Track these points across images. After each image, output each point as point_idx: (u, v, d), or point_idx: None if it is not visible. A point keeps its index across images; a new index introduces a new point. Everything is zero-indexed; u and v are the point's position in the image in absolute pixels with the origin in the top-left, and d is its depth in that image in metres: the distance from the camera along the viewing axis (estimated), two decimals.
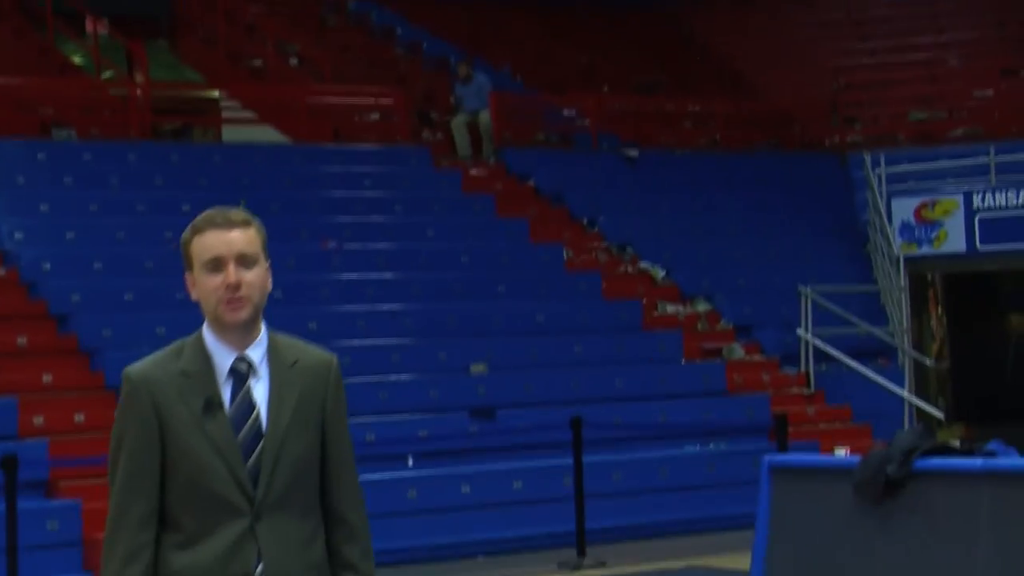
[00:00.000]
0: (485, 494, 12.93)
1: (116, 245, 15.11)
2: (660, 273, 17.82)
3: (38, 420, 12.33)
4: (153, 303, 14.10)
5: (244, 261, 3.62)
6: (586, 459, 12.12)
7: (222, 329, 3.63)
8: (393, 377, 13.83)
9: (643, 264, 17.96)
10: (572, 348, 15.22)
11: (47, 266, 14.42)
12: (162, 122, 18.94)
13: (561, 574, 11.60)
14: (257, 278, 3.63)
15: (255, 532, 3.55)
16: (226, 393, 3.61)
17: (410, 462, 13.04)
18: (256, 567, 3.56)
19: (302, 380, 3.66)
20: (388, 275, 15.75)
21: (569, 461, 12.12)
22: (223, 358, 3.63)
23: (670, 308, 17.12)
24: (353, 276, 15.51)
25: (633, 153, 20.19)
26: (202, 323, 3.70)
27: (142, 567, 3.55)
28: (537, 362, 14.90)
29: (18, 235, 14.82)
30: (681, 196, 19.56)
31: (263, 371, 3.64)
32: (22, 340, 13.28)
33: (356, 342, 13.93)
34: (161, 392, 3.59)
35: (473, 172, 18.98)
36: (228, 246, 3.61)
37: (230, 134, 18.97)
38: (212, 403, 3.58)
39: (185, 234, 3.66)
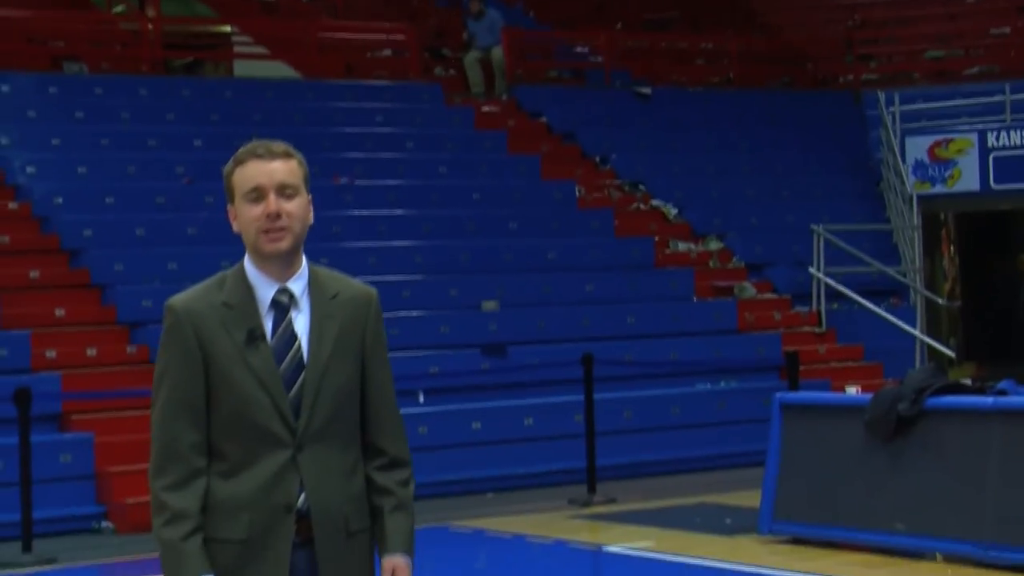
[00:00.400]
0: (496, 431, 12.97)
1: (128, 180, 15.10)
2: (672, 211, 17.78)
3: (50, 354, 12.36)
4: (165, 238, 14.11)
5: (285, 191, 3.63)
6: (597, 396, 12.13)
7: (263, 260, 3.64)
8: (404, 313, 13.84)
9: (655, 202, 17.92)
10: (584, 285, 15.22)
11: (59, 200, 14.42)
12: (173, 57, 18.88)
13: (571, 510, 11.65)
14: (298, 209, 3.64)
15: (297, 463, 3.59)
16: (268, 325, 3.63)
17: (421, 398, 13.07)
18: (299, 496, 3.59)
19: (343, 313, 3.68)
20: (399, 211, 15.73)
21: (580, 398, 12.14)
22: (265, 290, 3.64)
23: (682, 246, 17.10)
24: (364, 212, 15.50)
25: (646, 90, 20.09)
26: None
27: (196, 496, 3.58)
28: (548, 299, 14.90)
29: (30, 169, 14.81)
30: (694, 134, 19.48)
31: (304, 303, 3.66)
32: (35, 274, 13.31)
33: (367, 278, 13.89)
34: (204, 323, 3.60)
35: (485, 109, 18.92)
36: (269, 176, 3.61)
37: (242, 69, 18.91)
38: (255, 335, 3.60)
39: (227, 166, 3.67)
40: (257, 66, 18.86)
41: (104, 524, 11.20)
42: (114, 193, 14.73)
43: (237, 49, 19.57)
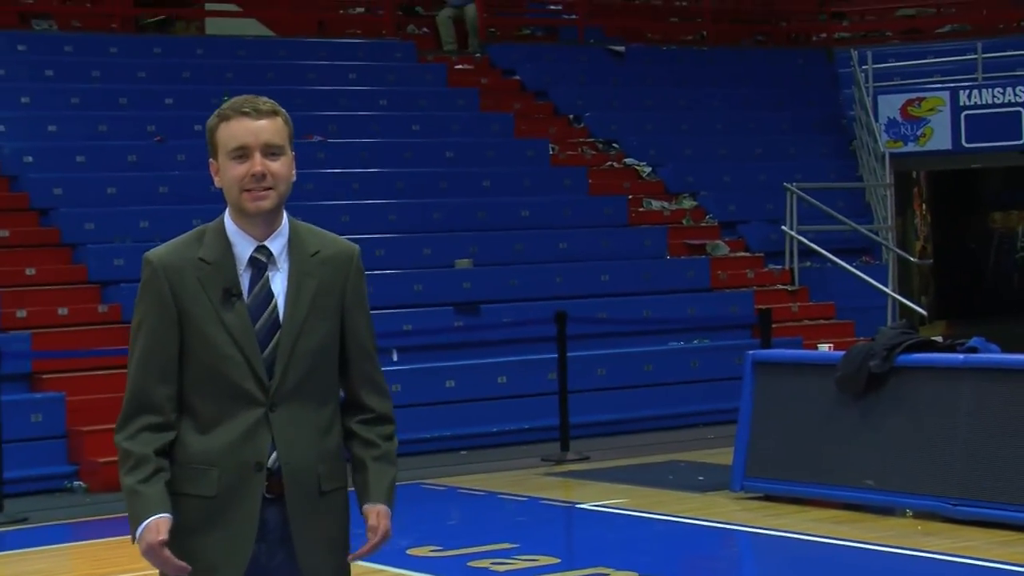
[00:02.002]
0: (469, 389, 12.99)
1: (98, 138, 15.01)
2: (646, 169, 17.78)
3: (21, 313, 12.31)
4: (136, 197, 14.04)
5: (270, 151, 3.62)
6: (570, 354, 12.15)
7: (244, 218, 3.63)
8: (377, 272, 13.81)
9: (629, 160, 17.91)
10: (557, 243, 15.22)
11: (29, 159, 14.32)
12: (144, 14, 18.73)
13: (544, 468, 11.68)
14: (283, 168, 3.63)
15: (269, 421, 3.58)
16: (244, 283, 3.62)
17: (395, 356, 13.07)
18: (270, 454, 3.59)
19: (322, 271, 3.67)
20: (372, 170, 15.69)
21: (553, 356, 12.16)
22: (243, 247, 3.63)
23: (655, 204, 17.10)
24: (337, 170, 15.45)
25: (620, 48, 20.05)
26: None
27: (159, 443, 3.58)
28: (522, 257, 14.90)
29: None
30: (668, 92, 19.46)
31: (283, 262, 3.65)
32: (3, 233, 13.23)
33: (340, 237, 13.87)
34: (180, 278, 3.59)
35: (458, 66, 18.85)
36: (255, 135, 3.60)
37: (214, 27, 18.78)
38: (231, 293, 3.59)
39: (211, 120, 3.65)
40: (229, 23, 18.74)
41: (76, 483, 11.19)
42: (84, 152, 14.65)
43: (209, 7, 19.44)
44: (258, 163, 3.58)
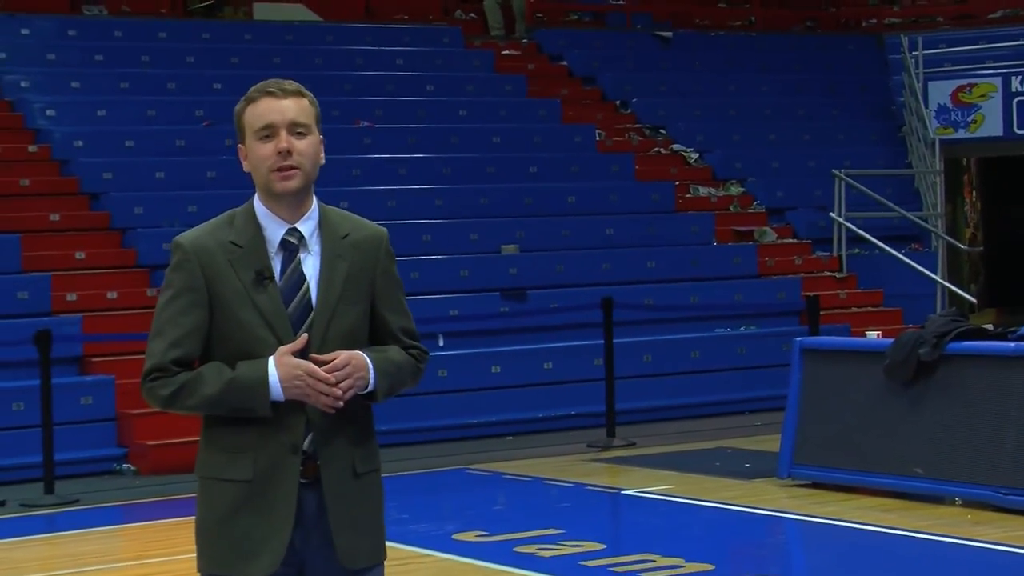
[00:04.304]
0: (515, 375, 12.99)
1: (147, 123, 15.09)
2: (693, 155, 17.71)
3: (71, 297, 12.40)
4: (184, 181, 14.11)
5: (296, 129, 3.61)
6: (617, 340, 12.14)
7: (273, 199, 3.62)
8: (424, 257, 13.83)
9: (676, 146, 17.84)
10: (604, 230, 15.18)
11: (79, 144, 14.41)
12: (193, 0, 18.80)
13: (591, 454, 11.68)
14: (309, 147, 3.62)
15: (304, 406, 3.57)
16: (276, 266, 3.61)
17: (441, 342, 13.08)
18: (305, 437, 3.59)
19: (353, 254, 3.66)
20: (419, 155, 15.69)
21: (600, 342, 12.14)
22: (274, 230, 3.63)
23: (703, 190, 17.04)
24: (384, 156, 15.47)
25: (667, 34, 19.97)
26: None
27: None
28: (569, 243, 14.87)
29: (50, 112, 14.81)
30: (715, 78, 19.37)
31: (314, 244, 3.64)
32: (55, 217, 13.33)
33: (387, 222, 13.86)
34: (212, 261, 3.59)
35: (505, 52, 18.83)
36: (281, 114, 3.60)
37: (261, 12, 18.83)
38: (263, 275, 3.59)
39: (238, 105, 3.66)
40: (277, 9, 18.78)
41: (125, 466, 11.27)
42: (134, 136, 14.72)
43: None
44: (284, 139, 3.58)
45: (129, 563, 8.47)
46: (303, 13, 18.76)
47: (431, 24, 19.03)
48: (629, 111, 18.37)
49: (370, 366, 3.59)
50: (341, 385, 3.52)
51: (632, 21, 20.43)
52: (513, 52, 18.99)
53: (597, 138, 17.15)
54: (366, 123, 15.90)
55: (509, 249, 14.48)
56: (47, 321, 11.51)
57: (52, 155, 14.27)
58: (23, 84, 15.22)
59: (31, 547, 9.09)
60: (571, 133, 17.00)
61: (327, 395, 3.51)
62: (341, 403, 3.54)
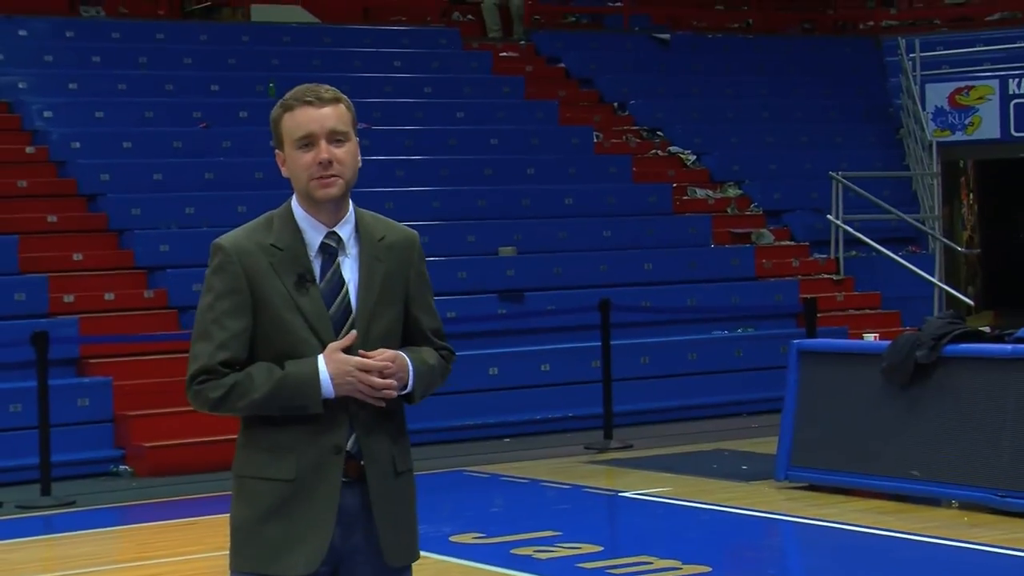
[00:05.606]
0: (513, 376, 12.99)
1: (145, 124, 15.08)
2: (691, 157, 17.72)
3: (68, 298, 12.39)
4: (182, 183, 14.10)
5: (335, 138, 3.65)
6: (614, 342, 12.14)
7: (313, 205, 3.66)
8: None
9: (673, 148, 17.85)
10: (601, 232, 15.19)
11: (76, 145, 14.41)
12: (190, 1, 18.79)
13: (588, 456, 11.68)
14: (348, 155, 3.67)
15: (346, 404, 3.60)
16: (316, 268, 3.65)
17: None
18: (348, 437, 3.62)
19: (389, 256, 3.71)
20: (417, 157, 15.70)
21: (597, 344, 12.14)
22: (313, 234, 3.66)
23: (700, 192, 17.05)
24: (382, 158, 15.46)
25: (665, 36, 19.98)
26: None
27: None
28: (566, 245, 14.88)
29: (47, 114, 14.80)
30: (713, 80, 19.38)
31: (352, 248, 3.68)
32: (52, 218, 13.33)
33: None
34: (254, 263, 3.62)
35: (503, 54, 18.83)
36: (320, 123, 3.63)
37: (259, 14, 18.82)
38: (305, 279, 3.63)
39: (274, 112, 3.69)
40: (274, 10, 18.77)
41: (122, 468, 11.26)
42: (131, 138, 14.72)
43: None
44: (324, 150, 3.61)
45: (126, 565, 8.45)
46: (301, 15, 18.76)
47: (429, 26, 19.03)
48: (627, 113, 18.38)
49: (410, 367, 3.65)
50: (388, 381, 3.58)
51: (630, 23, 20.44)
52: (511, 54, 18.99)
53: (595, 140, 17.16)
54: (364, 125, 15.89)
55: (507, 251, 14.49)
56: (44, 322, 11.51)
57: (50, 156, 14.27)
58: (21, 85, 15.22)
59: (28, 549, 9.08)
60: (569, 135, 17.00)
61: (378, 389, 3.55)
62: (393, 395, 3.60)
